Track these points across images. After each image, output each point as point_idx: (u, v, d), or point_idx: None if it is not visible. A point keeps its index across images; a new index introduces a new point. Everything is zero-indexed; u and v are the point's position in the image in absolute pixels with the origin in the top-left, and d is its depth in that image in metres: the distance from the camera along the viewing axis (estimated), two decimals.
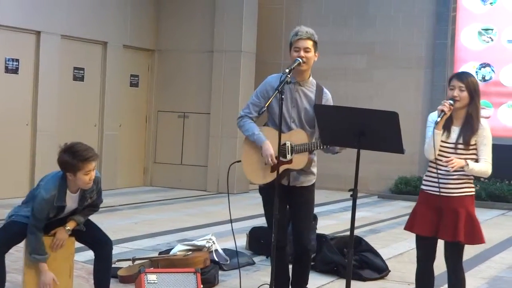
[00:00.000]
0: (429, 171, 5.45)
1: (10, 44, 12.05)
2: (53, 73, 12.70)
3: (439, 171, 5.33)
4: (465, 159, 5.30)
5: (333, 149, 5.73)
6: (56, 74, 12.76)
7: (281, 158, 5.68)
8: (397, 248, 9.09)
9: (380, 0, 15.88)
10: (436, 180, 5.34)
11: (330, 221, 11.43)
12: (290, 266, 6.11)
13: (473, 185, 5.45)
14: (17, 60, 12.14)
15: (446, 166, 5.29)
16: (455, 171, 5.30)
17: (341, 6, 16.11)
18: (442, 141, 5.35)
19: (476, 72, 15.31)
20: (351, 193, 5.09)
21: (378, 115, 5.04)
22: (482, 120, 5.38)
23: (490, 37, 15.31)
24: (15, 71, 12.11)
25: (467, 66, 15.35)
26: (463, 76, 5.41)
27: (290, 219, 6.04)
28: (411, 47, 15.65)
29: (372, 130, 4.95)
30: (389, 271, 7.83)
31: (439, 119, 5.27)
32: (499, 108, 15.21)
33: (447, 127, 5.39)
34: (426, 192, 5.48)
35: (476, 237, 5.40)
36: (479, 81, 14.68)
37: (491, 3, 15.33)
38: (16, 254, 6.21)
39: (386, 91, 15.64)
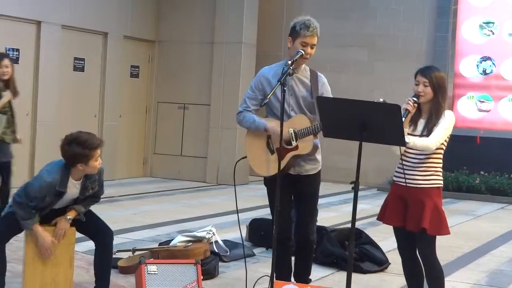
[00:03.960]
0: (399, 163, 5.51)
1: (10, 34, 12.03)
2: (54, 63, 12.67)
3: (407, 163, 5.47)
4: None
5: None
6: (56, 64, 12.73)
7: (286, 146, 5.68)
8: None
9: None
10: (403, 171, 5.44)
11: (330, 213, 11.44)
12: (293, 258, 6.10)
13: (441, 177, 5.49)
14: (17, 50, 12.12)
15: (412, 158, 5.44)
16: (421, 162, 5.41)
17: None
18: (409, 134, 5.42)
19: (477, 65, 15.31)
20: (351, 185, 5.08)
21: (380, 107, 5.01)
22: (446, 111, 5.43)
23: (491, 31, 15.29)
24: (15, 61, 12.04)
25: (468, 59, 15.35)
26: (427, 71, 5.44)
27: (294, 208, 6.02)
28: (412, 40, 15.63)
29: (374, 122, 4.93)
30: (389, 263, 7.85)
31: (403, 118, 5.31)
32: (500, 102, 15.20)
33: (415, 120, 5.47)
34: (396, 183, 5.59)
35: (442, 228, 5.43)
36: (479, 75, 15.14)
37: None
38: (16, 244, 6.20)
39: (386, 84, 15.61)
